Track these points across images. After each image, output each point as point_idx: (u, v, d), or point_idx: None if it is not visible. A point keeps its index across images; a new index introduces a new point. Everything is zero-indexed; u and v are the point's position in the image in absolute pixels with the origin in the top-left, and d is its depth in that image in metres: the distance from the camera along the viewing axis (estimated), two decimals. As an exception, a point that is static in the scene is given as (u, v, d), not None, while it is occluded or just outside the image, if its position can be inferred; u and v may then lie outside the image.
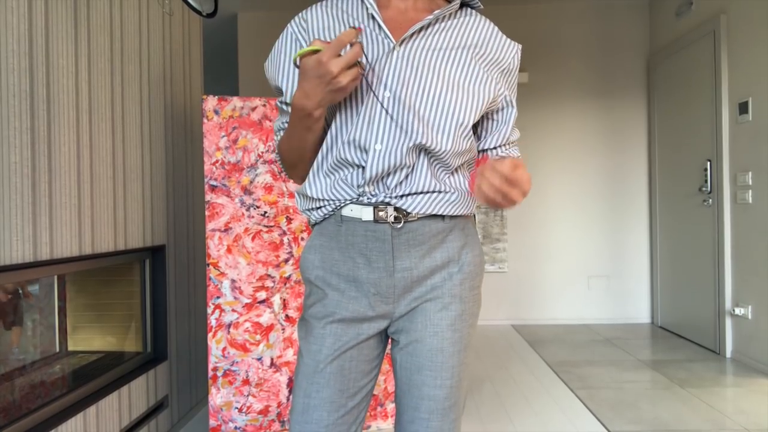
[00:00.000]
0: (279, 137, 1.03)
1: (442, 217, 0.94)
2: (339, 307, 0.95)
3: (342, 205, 0.94)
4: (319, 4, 1.01)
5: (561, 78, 4.59)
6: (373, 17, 0.95)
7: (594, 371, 3.17)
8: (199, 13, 2.67)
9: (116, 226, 1.92)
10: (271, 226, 2.23)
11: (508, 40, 1.02)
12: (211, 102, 2.19)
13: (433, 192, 0.93)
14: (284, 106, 1.01)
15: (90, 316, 2.19)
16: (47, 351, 2.07)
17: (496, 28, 1.01)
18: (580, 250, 4.59)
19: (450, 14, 0.98)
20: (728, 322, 3.41)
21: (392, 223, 0.91)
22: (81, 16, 1.72)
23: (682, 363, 3.32)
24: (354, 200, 0.93)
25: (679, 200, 4.03)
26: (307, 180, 0.99)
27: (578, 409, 2.56)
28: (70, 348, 2.17)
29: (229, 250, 2.20)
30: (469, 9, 1.03)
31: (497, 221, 4.60)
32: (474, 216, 1.03)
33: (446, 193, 0.94)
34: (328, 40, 0.96)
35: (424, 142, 0.90)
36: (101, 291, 2.20)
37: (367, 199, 0.92)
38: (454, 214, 0.95)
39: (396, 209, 0.92)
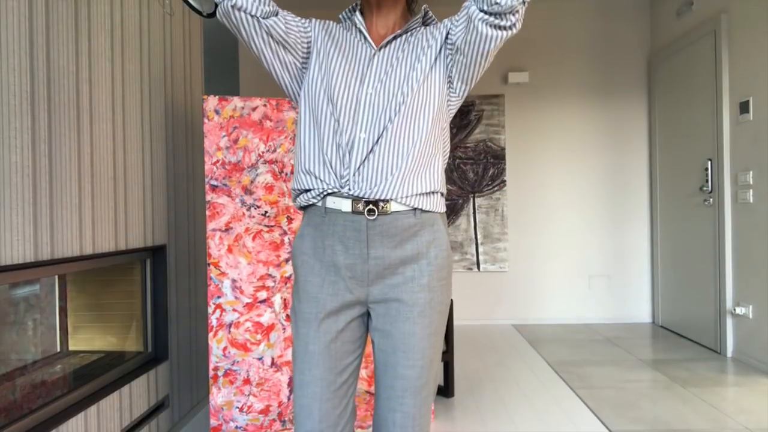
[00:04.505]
0: None
1: (414, 213, 1.06)
2: (321, 291, 1.08)
3: (326, 192, 1.06)
4: (333, 23, 1.22)
5: (562, 77, 4.58)
6: (361, 31, 1.16)
7: (595, 371, 3.17)
8: (199, 13, 2.67)
9: (117, 226, 1.92)
10: (272, 226, 2.23)
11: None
12: (211, 102, 2.19)
13: (407, 186, 1.05)
14: None
15: (91, 316, 2.19)
16: (48, 351, 2.07)
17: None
18: (581, 249, 4.59)
19: (416, 27, 1.18)
20: (729, 322, 3.41)
21: (367, 215, 1.03)
22: (81, 16, 1.73)
23: (683, 362, 3.32)
24: (337, 191, 1.05)
25: (680, 200, 4.02)
26: (297, 170, 1.13)
27: (579, 409, 2.56)
28: (71, 348, 2.17)
29: (229, 250, 2.20)
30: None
31: (498, 221, 4.60)
32: (443, 214, 1.16)
33: (419, 187, 1.06)
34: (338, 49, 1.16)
35: (398, 132, 1.04)
36: (102, 291, 2.21)
37: (347, 191, 1.04)
38: (425, 209, 1.07)
39: (371, 202, 1.04)
